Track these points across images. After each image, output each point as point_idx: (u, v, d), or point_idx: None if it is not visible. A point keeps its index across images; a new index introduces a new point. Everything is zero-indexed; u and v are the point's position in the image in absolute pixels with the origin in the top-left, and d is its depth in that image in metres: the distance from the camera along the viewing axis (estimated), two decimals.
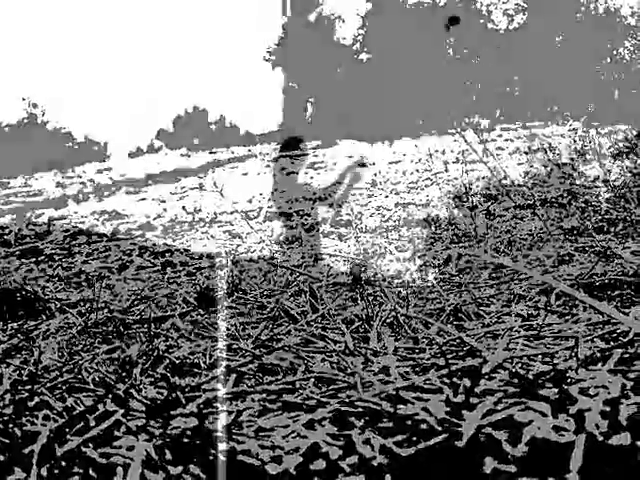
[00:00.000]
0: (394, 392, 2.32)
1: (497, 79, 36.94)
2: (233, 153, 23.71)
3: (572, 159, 9.99)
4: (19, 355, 2.94)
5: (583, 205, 7.61)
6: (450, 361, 2.46)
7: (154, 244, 7.99)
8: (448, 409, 2.24)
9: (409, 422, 2.24)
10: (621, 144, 10.27)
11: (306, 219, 6.01)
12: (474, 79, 37.22)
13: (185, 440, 2.31)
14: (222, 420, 2.30)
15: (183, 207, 11.76)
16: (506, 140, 18.46)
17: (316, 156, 17.32)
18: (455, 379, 2.39)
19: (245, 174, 17.58)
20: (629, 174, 9.44)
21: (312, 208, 6.11)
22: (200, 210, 11.59)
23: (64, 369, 2.59)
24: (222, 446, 2.26)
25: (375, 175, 13.11)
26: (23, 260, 5.99)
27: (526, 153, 10.37)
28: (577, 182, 9.66)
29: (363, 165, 6.44)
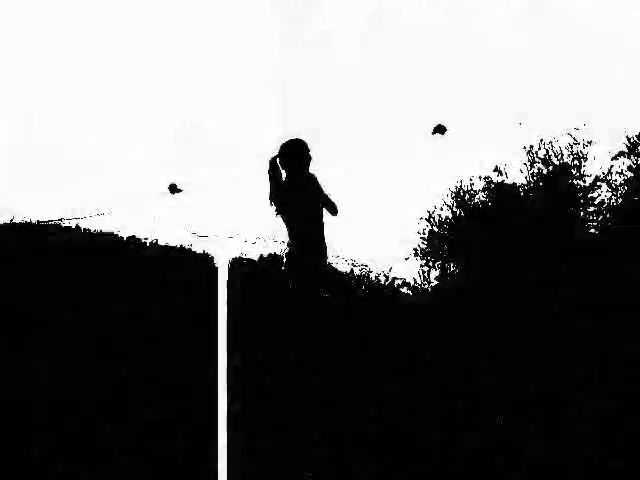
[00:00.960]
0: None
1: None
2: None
3: (572, 160, 9.98)
4: (10, 374, 2.92)
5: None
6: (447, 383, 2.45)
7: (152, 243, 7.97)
8: (444, 433, 2.23)
9: (405, 444, 2.23)
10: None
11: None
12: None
13: (180, 461, 2.30)
14: (218, 442, 2.29)
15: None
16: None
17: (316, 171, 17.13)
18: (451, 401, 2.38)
19: (239, 182, 17.48)
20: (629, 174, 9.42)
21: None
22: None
23: (57, 389, 2.58)
24: (218, 467, 2.25)
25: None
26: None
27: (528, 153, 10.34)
28: (577, 183, 9.65)
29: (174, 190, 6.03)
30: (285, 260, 5.93)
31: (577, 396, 2.35)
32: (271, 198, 5.83)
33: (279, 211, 5.88)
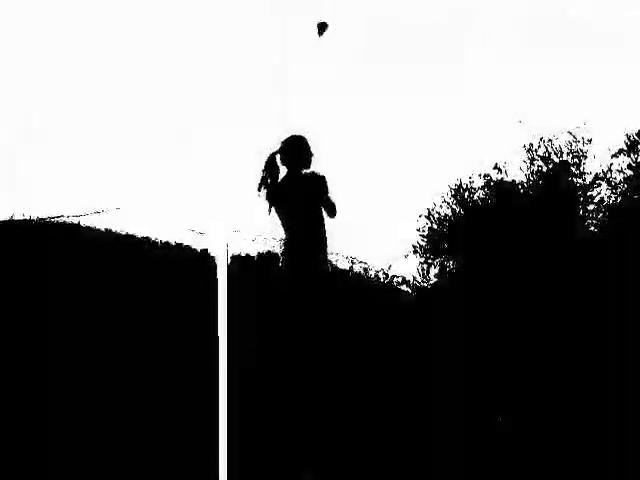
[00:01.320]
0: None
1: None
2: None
3: (572, 158, 9.99)
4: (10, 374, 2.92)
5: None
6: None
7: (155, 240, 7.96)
8: (444, 432, 2.24)
9: (403, 444, 2.24)
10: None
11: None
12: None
13: (180, 462, 2.30)
14: (218, 442, 2.29)
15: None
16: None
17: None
18: None
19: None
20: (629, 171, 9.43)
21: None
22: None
23: (56, 389, 2.58)
24: (219, 467, 2.26)
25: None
26: None
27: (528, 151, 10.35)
28: (577, 180, 9.66)
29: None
30: (282, 259, 5.89)
31: (576, 395, 2.36)
32: (267, 194, 5.76)
33: (273, 207, 5.81)
